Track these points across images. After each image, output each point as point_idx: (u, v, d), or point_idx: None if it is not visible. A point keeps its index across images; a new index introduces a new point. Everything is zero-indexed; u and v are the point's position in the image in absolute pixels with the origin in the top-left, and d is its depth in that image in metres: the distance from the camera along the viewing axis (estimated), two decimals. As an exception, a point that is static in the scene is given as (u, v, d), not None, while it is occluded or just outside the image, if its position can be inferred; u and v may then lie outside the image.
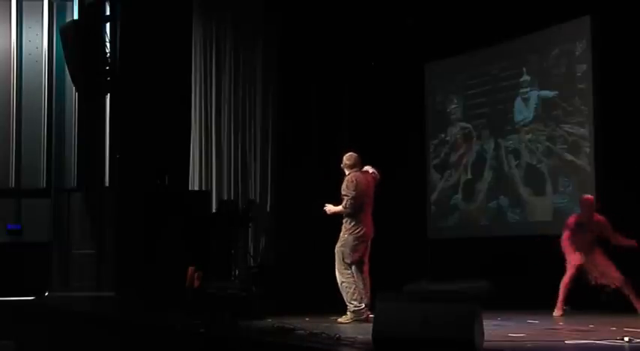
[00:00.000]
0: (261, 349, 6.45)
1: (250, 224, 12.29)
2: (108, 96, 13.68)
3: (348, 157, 8.51)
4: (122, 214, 12.77)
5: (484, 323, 5.67)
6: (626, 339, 6.16)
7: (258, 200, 12.65)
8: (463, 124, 12.27)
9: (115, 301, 11.98)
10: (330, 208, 8.48)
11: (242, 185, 12.75)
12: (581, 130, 10.50)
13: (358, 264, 8.41)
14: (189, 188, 12.70)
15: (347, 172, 8.46)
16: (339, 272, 8.35)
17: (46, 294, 12.89)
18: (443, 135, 12.58)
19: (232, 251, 11.96)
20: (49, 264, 13.58)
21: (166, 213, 11.73)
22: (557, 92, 10.88)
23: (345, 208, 8.32)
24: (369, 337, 5.69)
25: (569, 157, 10.64)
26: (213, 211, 12.32)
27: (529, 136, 11.20)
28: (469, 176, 12.12)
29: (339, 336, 6.36)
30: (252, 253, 12.42)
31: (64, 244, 13.80)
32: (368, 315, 8.01)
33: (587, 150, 10.40)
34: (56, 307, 11.00)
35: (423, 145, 12.77)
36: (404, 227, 12.13)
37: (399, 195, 11.94)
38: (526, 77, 11.31)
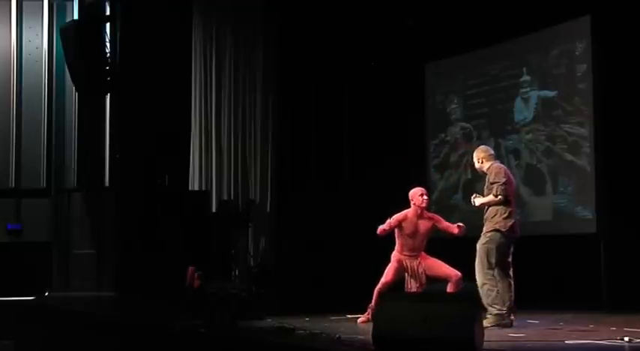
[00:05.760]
0: (261, 349, 6.46)
1: (250, 224, 12.28)
2: (108, 96, 13.69)
3: (484, 150, 7.94)
4: (122, 214, 12.78)
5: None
6: (626, 339, 6.16)
7: (258, 200, 12.64)
8: (463, 124, 12.26)
9: (115, 301, 11.98)
10: (478, 199, 7.78)
11: (242, 185, 12.74)
12: (581, 130, 10.49)
13: (503, 264, 7.65)
14: (189, 188, 12.70)
15: (487, 166, 7.79)
16: (481, 272, 7.61)
17: (46, 294, 12.89)
18: (443, 135, 12.57)
19: (232, 251, 11.96)
20: (49, 264, 13.58)
21: (166, 213, 11.73)
22: (557, 92, 10.87)
23: (496, 195, 7.58)
24: (369, 337, 5.70)
25: (569, 157, 10.63)
26: (213, 211, 12.32)
27: (529, 136, 11.19)
28: (469, 176, 12.09)
29: (339, 336, 6.36)
30: (252, 253, 12.41)
31: (64, 244, 13.79)
32: (512, 320, 7.50)
33: (587, 150, 10.39)
34: (56, 307, 11.00)
35: (423, 145, 12.76)
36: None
37: (399, 195, 11.91)
38: (526, 77, 11.30)
